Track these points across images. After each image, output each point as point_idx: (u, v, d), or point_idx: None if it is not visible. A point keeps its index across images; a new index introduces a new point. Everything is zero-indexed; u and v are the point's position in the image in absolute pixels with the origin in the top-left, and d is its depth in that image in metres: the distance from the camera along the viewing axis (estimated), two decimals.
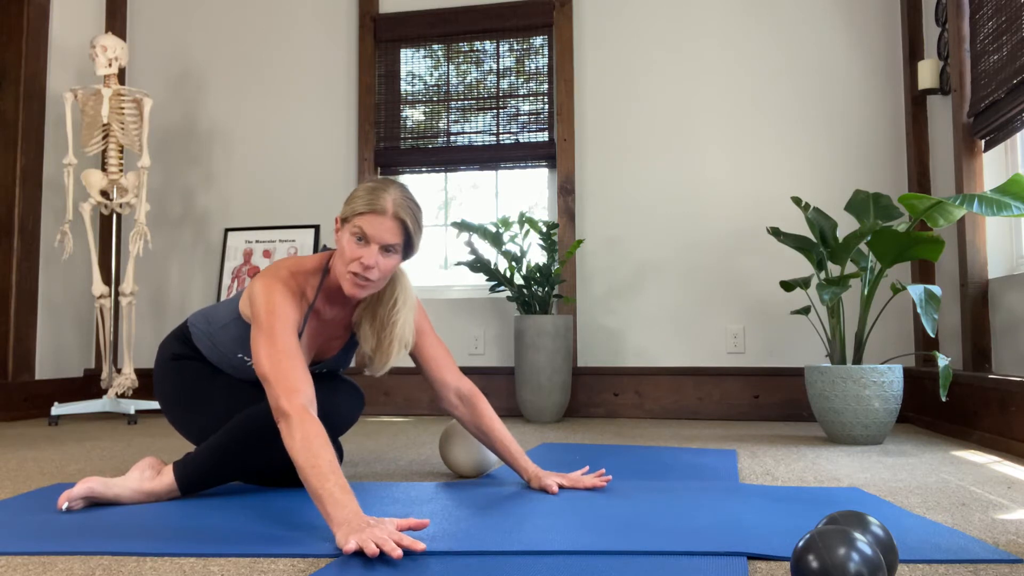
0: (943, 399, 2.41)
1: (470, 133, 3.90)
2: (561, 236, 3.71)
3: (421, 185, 4.02)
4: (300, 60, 4.10)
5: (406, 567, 1.19)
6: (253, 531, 1.41)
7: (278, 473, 1.82)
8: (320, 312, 1.78)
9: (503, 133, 3.86)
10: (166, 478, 1.67)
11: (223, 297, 3.99)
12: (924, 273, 3.31)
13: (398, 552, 1.19)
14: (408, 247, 1.67)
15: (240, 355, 1.84)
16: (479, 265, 3.43)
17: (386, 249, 1.62)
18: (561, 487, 1.77)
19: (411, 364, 3.71)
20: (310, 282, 1.72)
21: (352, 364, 3.92)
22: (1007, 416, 2.43)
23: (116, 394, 3.53)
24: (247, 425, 1.68)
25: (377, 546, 1.20)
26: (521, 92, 3.87)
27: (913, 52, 3.40)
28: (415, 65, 3.99)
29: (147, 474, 1.67)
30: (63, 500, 1.57)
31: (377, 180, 1.67)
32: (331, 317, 1.81)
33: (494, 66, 3.90)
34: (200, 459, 1.68)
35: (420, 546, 1.22)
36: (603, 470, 1.86)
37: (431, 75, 3.97)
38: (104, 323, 3.62)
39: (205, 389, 1.88)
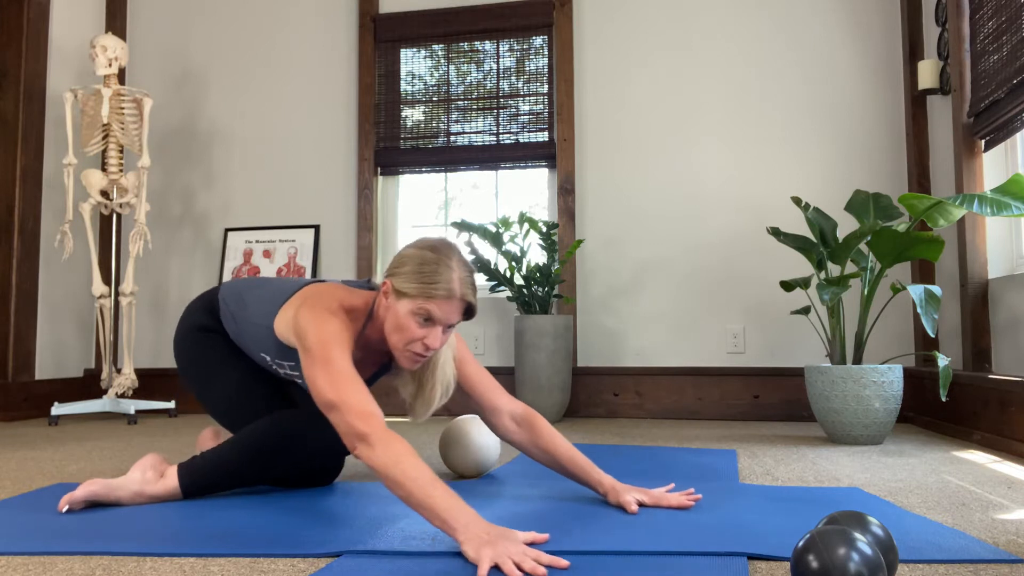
0: (943, 399, 2.41)
1: (470, 133, 3.90)
2: (561, 236, 3.71)
3: (421, 185, 4.02)
4: (300, 60, 4.10)
5: (407, 568, 1.19)
6: (253, 531, 1.41)
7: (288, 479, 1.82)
8: (352, 356, 1.70)
9: (503, 133, 3.86)
10: (169, 482, 1.66)
11: None
12: (924, 273, 3.31)
13: (541, 571, 1.13)
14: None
15: (262, 354, 1.81)
16: (479, 265, 3.43)
17: (449, 326, 1.57)
18: (642, 505, 1.60)
19: None
20: (354, 325, 1.64)
21: None
22: (1007, 416, 2.43)
23: (116, 394, 3.53)
24: (261, 444, 1.68)
25: (516, 564, 1.14)
26: (521, 92, 3.87)
27: (913, 52, 3.40)
28: (415, 65, 3.99)
29: (149, 475, 1.66)
30: (64, 503, 1.57)
31: (434, 250, 1.55)
32: (360, 359, 1.77)
33: (494, 66, 3.90)
34: (208, 470, 1.68)
35: (563, 563, 1.16)
36: (692, 489, 1.69)
37: (431, 75, 3.96)
38: (104, 323, 3.62)
39: (222, 369, 1.86)
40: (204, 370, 1.88)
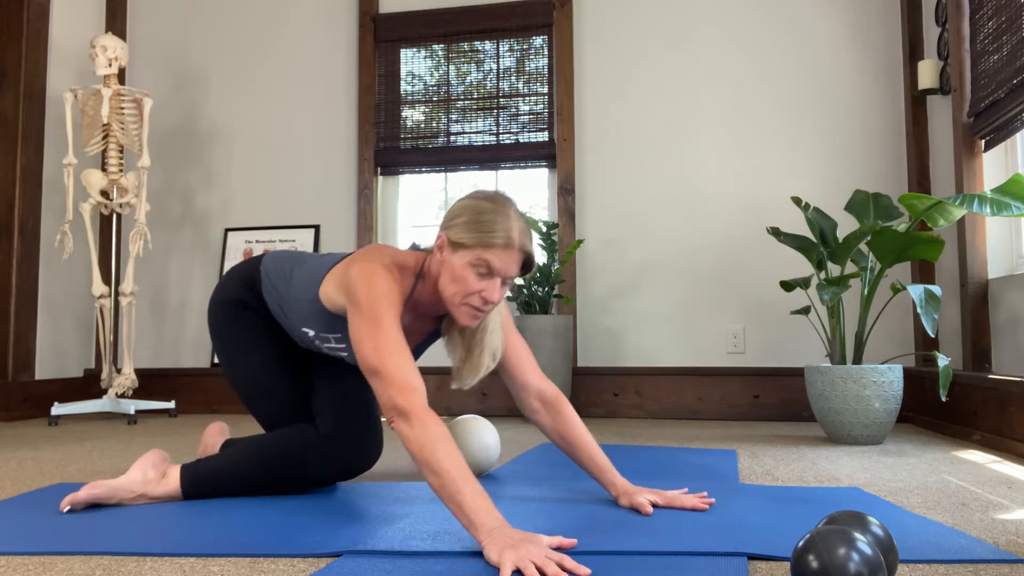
0: (943, 399, 2.41)
1: (470, 133, 3.90)
2: (561, 236, 3.71)
3: (421, 185, 4.02)
4: (300, 60, 4.10)
5: (407, 568, 1.19)
6: (253, 531, 1.41)
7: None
8: (401, 319, 1.62)
9: (503, 133, 3.86)
10: (171, 484, 1.66)
11: None
12: (924, 273, 3.31)
13: None
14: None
15: (304, 329, 1.76)
16: None
17: (507, 279, 1.52)
18: (655, 506, 1.56)
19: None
20: (404, 283, 1.59)
21: None
22: (1007, 416, 2.43)
23: (116, 394, 3.53)
24: (271, 462, 1.69)
25: (538, 568, 1.12)
26: (521, 92, 3.87)
27: (913, 52, 3.40)
28: (415, 65, 3.99)
29: (150, 475, 1.66)
30: (65, 504, 1.57)
31: (490, 200, 1.51)
32: (408, 323, 1.72)
33: (494, 66, 3.90)
34: (214, 478, 1.68)
35: (585, 571, 1.12)
36: (705, 493, 1.65)
37: (431, 75, 3.97)
38: (104, 323, 3.62)
39: (254, 351, 1.83)
40: (234, 347, 1.84)
